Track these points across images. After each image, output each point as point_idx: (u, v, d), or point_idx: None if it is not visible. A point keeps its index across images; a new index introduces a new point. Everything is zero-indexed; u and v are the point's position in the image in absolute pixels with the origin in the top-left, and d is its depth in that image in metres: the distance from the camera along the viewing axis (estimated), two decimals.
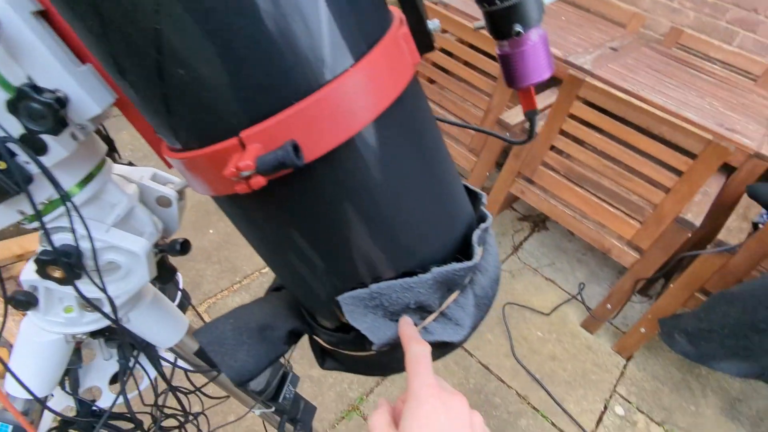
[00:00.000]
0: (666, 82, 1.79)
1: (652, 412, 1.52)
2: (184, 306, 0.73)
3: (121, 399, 0.58)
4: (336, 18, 0.26)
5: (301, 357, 1.30)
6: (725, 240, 1.30)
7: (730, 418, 1.56)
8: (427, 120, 0.35)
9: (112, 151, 0.58)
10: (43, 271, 0.40)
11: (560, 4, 2.31)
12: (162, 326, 0.57)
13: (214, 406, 0.78)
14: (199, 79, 0.25)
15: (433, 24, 0.32)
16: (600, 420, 1.46)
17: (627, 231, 1.47)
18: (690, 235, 1.35)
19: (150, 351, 0.62)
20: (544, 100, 1.81)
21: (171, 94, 0.26)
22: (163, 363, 0.66)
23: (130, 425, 0.63)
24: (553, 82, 1.78)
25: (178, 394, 0.70)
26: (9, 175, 0.33)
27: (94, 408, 0.61)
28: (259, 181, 0.26)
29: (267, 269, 1.60)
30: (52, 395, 0.62)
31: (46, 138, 0.33)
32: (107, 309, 0.45)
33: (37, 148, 0.33)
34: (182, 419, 0.68)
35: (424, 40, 0.32)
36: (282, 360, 0.77)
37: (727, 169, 1.57)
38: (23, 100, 0.30)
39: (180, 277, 0.80)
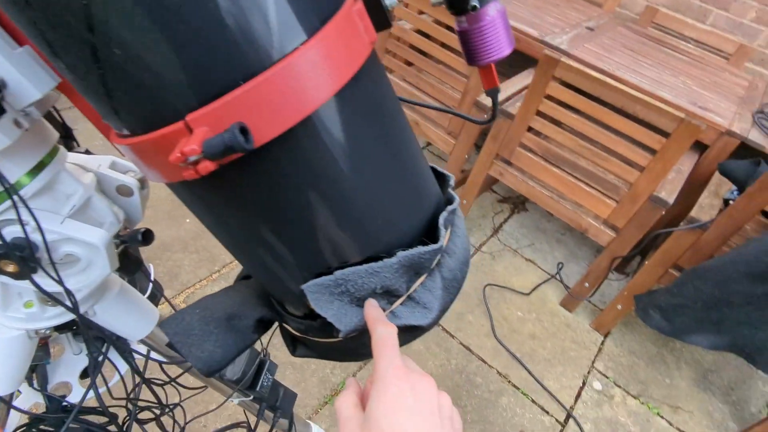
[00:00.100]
0: (641, 61, 1.80)
1: (628, 385, 1.57)
2: (156, 297, 0.72)
3: (92, 393, 0.56)
4: None
5: (282, 344, 1.30)
6: (697, 217, 1.33)
7: (702, 389, 1.62)
8: (388, 100, 0.34)
9: (69, 139, 0.56)
10: None
11: None
12: (131, 318, 0.56)
13: (194, 396, 0.77)
14: (136, 60, 0.23)
15: (389, 0, 0.31)
16: (579, 395, 1.50)
17: (603, 210, 1.49)
18: (664, 212, 1.38)
19: (120, 344, 0.61)
20: (521, 81, 1.81)
21: (109, 77, 0.25)
22: (137, 356, 0.65)
23: (105, 420, 0.62)
24: (530, 62, 1.78)
25: (154, 385, 0.69)
26: None
27: (65, 404, 0.60)
28: (207, 166, 0.25)
29: None
30: (20, 392, 0.60)
31: None
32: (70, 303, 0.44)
33: None
34: (158, 411, 0.67)
35: (380, 17, 0.31)
36: (259, 348, 0.76)
37: (700, 147, 1.60)
38: None
39: (151, 268, 0.78)
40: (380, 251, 0.35)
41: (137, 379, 0.63)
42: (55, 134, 0.41)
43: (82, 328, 0.46)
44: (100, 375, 0.59)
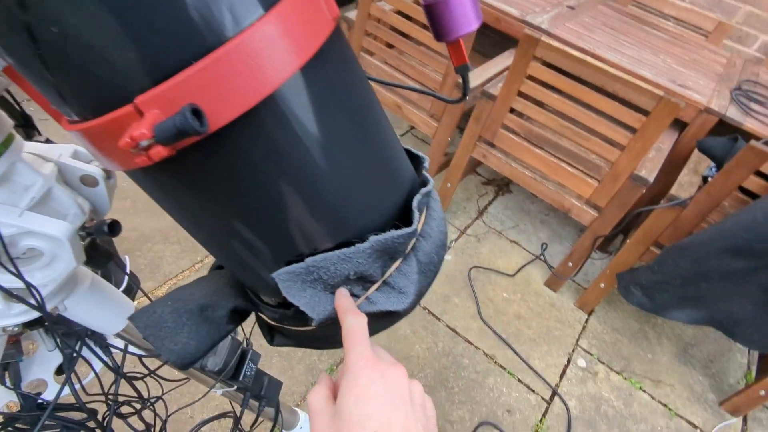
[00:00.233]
0: (622, 40, 1.80)
1: (612, 362, 1.60)
2: (132, 290, 0.70)
3: (67, 390, 0.55)
4: None
5: None
6: (677, 194, 1.34)
7: (683, 363, 1.66)
8: (356, 79, 0.33)
9: (29, 128, 0.53)
10: None
11: None
12: (104, 312, 0.55)
13: (180, 388, 0.76)
14: (76, 39, 0.22)
15: None
16: (564, 373, 1.53)
17: (585, 190, 1.50)
18: (644, 191, 1.39)
19: (96, 339, 0.60)
20: (503, 61, 1.80)
21: (49, 58, 0.23)
22: (115, 350, 0.64)
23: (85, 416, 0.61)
24: (511, 43, 1.76)
25: (134, 379, 0.68)
26: None
27: (40, 401, 0.58)
28: (160, 152, 0.23)
29: None
30: None
31: None
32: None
33: None
34: (138, 405, 0.66)
35: None
36: (240, 338, 0.75)
37: (680, 125, 1.61)
38: None
39: (127, 260, 0.76)
40: (353, 236, 0.34)
41: (113, 375, 0.62)
42: (9, 122, 0.39)
43: (49, 325, 0.44)
44: (76, 371, 0.58)
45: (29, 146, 0.43)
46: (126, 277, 0.69)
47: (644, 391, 1.54)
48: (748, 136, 1.39)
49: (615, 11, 2.06)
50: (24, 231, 0.38)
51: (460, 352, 1.50)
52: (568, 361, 1.57)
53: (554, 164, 1.53)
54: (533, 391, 1.46)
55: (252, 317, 0.47)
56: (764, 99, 1.63)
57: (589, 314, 1.74)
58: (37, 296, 0.40)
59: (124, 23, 0.22)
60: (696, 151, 1.50)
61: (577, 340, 1.64)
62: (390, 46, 1.81)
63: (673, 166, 1.57)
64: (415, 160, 0.42)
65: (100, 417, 0.62)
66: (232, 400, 0.81)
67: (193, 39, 0.23)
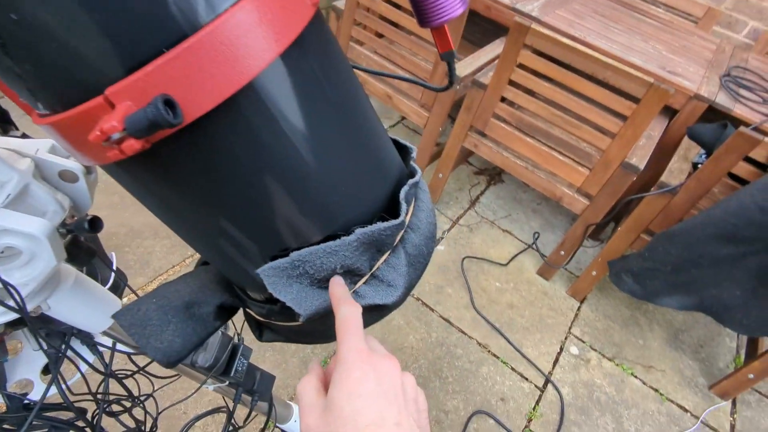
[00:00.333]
0: (612, 27, 1.79)
1: (604, 348, 1.62)
2: (119, 287, 0.69)
3: (54, 390, 0.54)
4: None
5: None
6: (667, 181, 1.35)
7: (674, 348, 1.68)
8: (339, 68, 0.32)
9: (5, 123, 0.52)
10: None
11: None
12: (89, 311, 0.54)
13: (172, 384, 0.76)
14: (39, 27, 0.21)
15: None
16: (556, 361, 1.54)
17: (577, 178, 1.50)
18: (635, 178, 1.40)
19: (83, 337, 0.59)
20: (493, 50, 1.79)
21: (11, 47, 0.22)
22: (103, 348, 0.63)
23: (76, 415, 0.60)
24: (502, 31, 1.75)
25: (123, 376, 0.67)
26: None
27: (27, 401, 0.57)
28: (133, 145, 0.22)
29: None
30: None
31: None
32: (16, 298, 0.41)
33: None
34: (127, 403, 0.65)
35: None
36: (231, 333, 0.74)
37: (670, 112, 1.61)
38: None
39: (113, 256, 0.75)
40: (339, 230, 0.33)
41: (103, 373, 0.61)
42: None
43: (30, 325, 0.43)
44: (65, 369, 0.57)
45: (4, 141, 0.41)
46: (112, 274, 0.68)
47: (636, 376, 1.56)
48: (737, 122, 1.40)
49: None
50: (1, 229, 0.37)
51: (454, 342, 1.51)
52: (561, 349, 1.58)
53: (545, 153, 1.53)
54: (526, 379, 1.47)
55: (242, 312, 0.46)
56: (753, 85, 1.63)
57: (582, 302, 1.75)
58: (17, 296, 0.39)
59: (91, 9, 0.21)
60: (686, 137, 1.50)
61: (570, 328, 1.65)
62: (379, 35, 1.79)
63: (663, 154, 1.57)
64: (403, 150, 0.42)
65: (89, 416, 0.61)
66: (225, 395, 0.81)
67: (165, 26, 0.22)
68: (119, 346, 0.63)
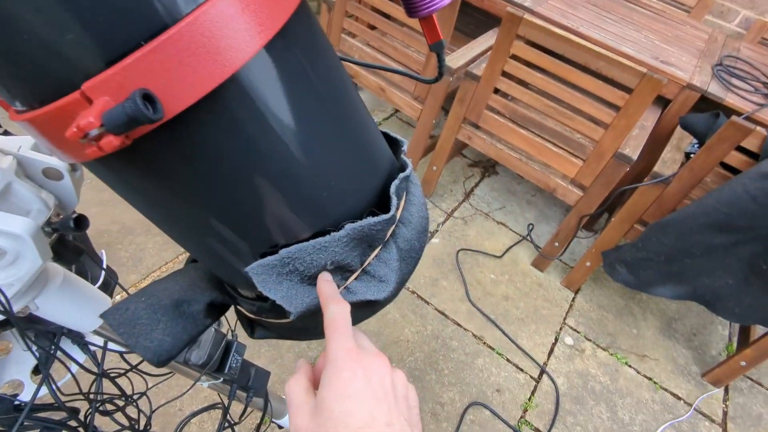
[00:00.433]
0: (605, 17, 1.79)
1: (598, 338, 1.63)
2: (109, 285, 0.68)
3: (44, 391, 0.54)
4: None
5: None
6: (660, 171, 1.35)
7: (667, 337, 1.69)
8: (327, 59, 0.31)
9: None
10: None
11: None
12: (79, 310, 0.53)
13: (168, 381, 0.75)
14: (10, 18, 0.20)
15: None
16: (551, 351, 1.55)
17: (570, 170, 1.50)
18: (628, 169, 1.40)
19: (73, 337, 0.58)
20: (486, 41, 1.78)
21: None
22: (94, 347, 0.62)
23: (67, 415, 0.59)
24: (495, 22, 1.74)
25: (116, 375, 0.66)
26: None
27: (17, 402, 0.57)
28: (111, 142, 0.22)
29: None
30: None
31: None
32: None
33: None
34: (121, 402, 0.64)
35: None
36: (225, 330, 0.74)
37: (663, 102, 1.61)
38: None
39: (104, 254, 0.74)
40: (329, 225, 0.33)
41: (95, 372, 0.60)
42: None
43: (17, 327, 0.42)
44: (57, 369, 0.56)
45: None
46: (102, 273, 0.67)
47: (630, 366, 1.57)
48: (729, 111, 1.40)
49: None
50: None
51: (449, 335, 1.51)
52: (556, 340, 1.59)
53: (539, 144, 1.52)
54: (522, 370, 1.48)
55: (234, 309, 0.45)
56: (745, 74, 1.63)
57: (576, 293, 1.76)
58: (2, 297, 0.38)
59: (68, 2, 0.20)
60: (679, 127, 1.50)
61: (564, 319, 1.66)
62: (372, 27, 1.77)
63: (656, 144, 1.57)
64: (394, 143, 0.41)
65: (82, 415, 0.61)
66: (220, 392, 0.80)
67: (143, 17, 0.22)
68: (111, 345, 0.62)
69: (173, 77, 0.22)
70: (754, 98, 1.50)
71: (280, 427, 1.01)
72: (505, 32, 1.36)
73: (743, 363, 1.45)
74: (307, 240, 0.32)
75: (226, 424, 0.82)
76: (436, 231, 1.83)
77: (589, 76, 1.31)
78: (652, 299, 1.80)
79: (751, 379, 1.63)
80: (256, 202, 0.30)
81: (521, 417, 1.36)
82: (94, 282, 0.66)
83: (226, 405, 0.81)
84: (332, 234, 0.31)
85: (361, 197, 0.34)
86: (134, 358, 0.69)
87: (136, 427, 0.68)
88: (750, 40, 2.03)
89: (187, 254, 1.47)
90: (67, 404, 0.57)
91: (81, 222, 0.42)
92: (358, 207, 0.34)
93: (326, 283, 0.33)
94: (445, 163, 1.84)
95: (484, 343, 1.52)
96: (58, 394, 0.53)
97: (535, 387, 1.44)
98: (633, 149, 1.40)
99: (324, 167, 0.31)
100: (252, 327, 0.44)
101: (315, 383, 0.32)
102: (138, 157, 0.26)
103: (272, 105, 0.27)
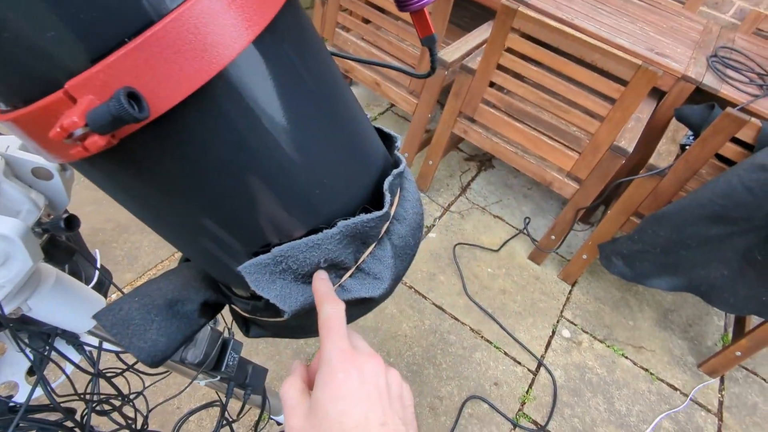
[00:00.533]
0: (600, 8, 1.78)
1: (595, 331, 1.63)
2: (103, 285, 0.68)
3: (39, 392, 0.53)
4: None
5: None
6: (656, 164, 1.35)
7: (663, 328, 1.70)
8: (317, 55, 0.30)
9: None
10: None
11: None
12: (72, 311, 0.52)
13: (165, 379, 0.75)
14: None
15: None
16: (549, 344, 1.56)
17: (566, 163, 1.50)
18: (624, 161, 1.40)
19: (68, 337, 0.58)
20: (481, 34, 1.77)
21: None
22: (89, 348, 0.62)
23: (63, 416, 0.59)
24: (490, 15, 1.73)
25: (112, 375, 0.66)
26: None
27: (12, 404, 0.56)
28: (96, 142, 0.21)
29: None
30: None
31: None
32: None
33: None
34: (117, 402, 0.64)
35: None
36: (221, 328, 0.74)
37: (658, 94, 1.61)
38: None
39: (98, 253, 0.74)
40: (322, 223, 0.32)
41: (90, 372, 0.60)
42: None
43: (8, 328, 0.42)
44: (51, 372, 0.56)
45: None
46: (96, 272, 0.67)
47: (626, 357, 1.58)
48: (724, 103, 1.40)
49: None
50: None
51: (447, 329, 1.51)
52: (553, 332, 1.59)
53: (535, 138, 1.52)
54: (519, 363, 1.48)
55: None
56: (739, 65, 1.63)
57: (573, 285, 1.76)
58: None
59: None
60: (674, 119, 1.50)
61: (561, 311, 1.66)
62: (366, 21, 1.76)
63: (651, 136, 1.57)
64: (387, 139, 0.41)
65: (78, 416, 0.60)
66: (217, 390, 0.80)
67: (127, 13, 0.21)
68: (106, 345, 0.62)
69: (159, 75, 0.22)
70: (749, 89, 1.50)
71: (279, 424, 1.02)
72: (499, 25, 1.36)
73: (738, 353, 1.46)
74: (299, 238, 0.32)
75: (224, 422, 0.82)
76: (433, 225, 1.83)
77: (584, 69, 1.30)
78: (649, 291, 1.80)
79: (747, 369, 1.65)
80: (247, 201, 0.29)
81: (519, 410, 1.37)
82: (88, 282, 0.66)
83: (224, 403, 0.81)
84: (325, 232, 0.31)
85: (354, 194, 0.34)
86: (131, 358, 0.69)
87: (133, 426, 0.68)
88: (745, 30, 2.02)
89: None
90: (64, 404, 0.57)
91: (72, 222, 0.41)
92: (352, 204, 0.34)
93: (322, 281, 0.33)
94: (441, 157, 1.83)
95: (482, 336, 1.52)
96: (54, 394, 0.53)
97: (533, 380, 1.45)
98: (628, 142, 1.40)
99: (316, 164, 0.31)
100: (247, 326, 0.44)
101: (310, 384, 0.32)
102: (125, 157, 0.26)
103: (262, 102, 0.27)
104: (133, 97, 0.21)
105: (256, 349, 1.33)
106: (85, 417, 0.62)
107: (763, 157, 1.14)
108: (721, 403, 1.52)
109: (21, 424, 0.54)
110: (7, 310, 0.43)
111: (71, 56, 0.21)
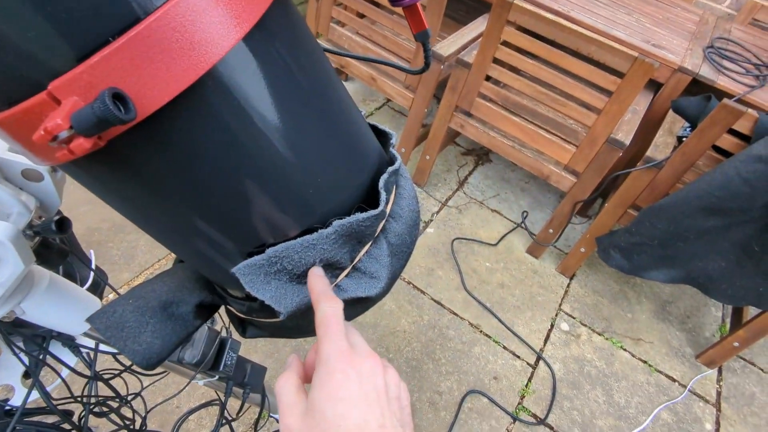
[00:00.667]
0: (595, 0, 1.77)
1: (593, 323, 1.64)
2: (99, 286, 0.67)
3: (36, 395, 0.53)
4: None
5: None
6: (653, 156, 1.35)
7: (661, 320, 1.70)
8: (309, 51, 0.30)
9: None
10: None
11: None
12: (67, 313, 0.52)
13: (164, 379, 0.75)
14: None
15: None
16: (547, 337, 1.56)
17: (563, 156, 1.50)
18: (621, 154, 1.39)
19: (63, 340, 0.57)
20: (477, 27, 1.76)
21: None
22: (85, 349, 0.61)
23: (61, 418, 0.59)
24: (485, 8, 1.72)
25: (110, 376, 0.66)
26: None
27: (8, 407, 0.56)
28: (82, 144, 0.21)
29: None
30: None
31: None
32: None
33: None
34: (115, 404, 0.64)
35: None
36: (218, 327, 0.73)
37: (655, 86, 1.61)
38: None
39: (92, 254, 0.73)
40: (317, 222, 0.32)
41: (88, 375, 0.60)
42: None
43: (2, 332, 0.41)
44: (48, 374, 0.55)
45: None
46: (91, 274, 0.66)
47: (625, 349, 1.58)
48: (721, 94, 1.40)
49: None
50: None
51: (446, 324, 1.51)
52: (552, 326, 1.60)
53: (532, 131, 1.51)
54: (518, 357, 1.48)
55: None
56: (736, 56, 1.63)
57: (571, 278, 1.76)
58: None
59: None
60: (671, 111, 1.50)
61: (560, 305, 1.67)
62: (361, 15, 1.74)
63: (648, 128, 1.57)
64: (382, 136, 0.40)
65: (76, 418, 0.60)
66: (216, 389, 0.80)
67: (110, 11, 0.20)
68: (103, 347, 0.62)
69: (145, 74, 0.21)
70: (746, 80, 1.50)
71: (279, 422, 1.01)
72: (495, 18, 1.35)
73: (736, 344, 1.47)
74: (294, 238, 0.31)
75: (224, 421, 0.82)
76: (431, 221, 1.83)
77: (580, 61, 1.30)
78: (646, 283, 1.81)
79: (744, 359, 1.65)
80: (240, 202, 0.29)
81: (519, 403, 1.37)
82: (83, 283, 0.65)
83: (223, 402, 0.81)
84: (320, 231, 0.31)
85: (349, 193, 0.33)
86: (128, 359, 0.68)
87: (132, 427, 0.68)
88: (741, 21, 2.02)
89: None
90: (62, 406, 0.57)
91: (63, 224, 0.41)
92: (347, 203, 0.33)
93: (317, 278, 0.32)
94: (438, 152, 1.83)
95: (481, 331, 1.52)
96: (51, 397, 0.52)
97: (532, 373, 1.45)
98: (625, 134, 1.40)
99: (310, 163, 0.30)
100: (243, 326, 0.44)
101: (306, 378, 0.32)
102: (113, 159, 0.25)
103: (254, 101, 0.26)
104: (119, 98, 0.20)
105: (254, 347, 1.33)
106: (83, 419, 0.62)
107: (760, 148, 1.13)
108: (719, 394, 1.53)
109: (17, 428, 0.54)
110: (0, 314, 0.42)
111: (54, 56, 0.20)
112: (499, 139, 1.62)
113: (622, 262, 1.47)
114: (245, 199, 0.29)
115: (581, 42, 1.28)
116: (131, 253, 1.44)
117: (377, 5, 1.66)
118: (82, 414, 0.63)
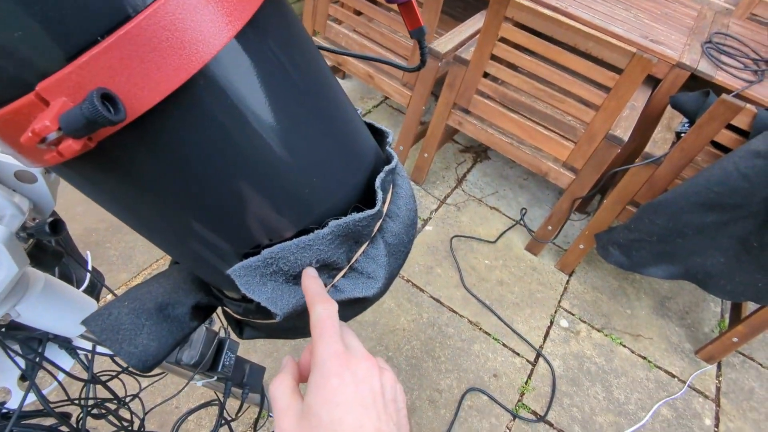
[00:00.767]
0: None
1: (593, 320, 1.64)
2: (95, 287, 0.67)
3: (32, 398, 0.53)
4: None
5: None
6: (651, 152, 1.35)
7: (660, 316, 1.70)
8: (303, 49, 0.29)
9: None
10: None
11: None
12: (63, 315, 0.51)
13: (163, 379, 0.74)
14: None
15: None
16: (547, 334, 1.56)
17: (562, 153, 1.49)
18: (620, 150, 1.39)
19: (60, 342, 0.57)
20: (474, 24, 1.75)
21: None
22: (83, 351, 0.61)
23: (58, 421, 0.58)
24: (483, 5, 1.71)
25: (107, 378, 0.65)
26: None
27: (5, 410, 0.55)
28: (71, 146, 0.20)
29: None
30: None
31: None
32: None
33: None
34: (113, 405, 0.63)
35: None
36: (216, 328, 0.73)
37: (653, 82, 1.60)
38: None
39: (89, 255, 0.73)
40: (313, 223, 0.32)
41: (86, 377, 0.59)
42: None
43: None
44: (46, 375, 0.55)
45: None
46: (88, 275, 0.66)
47: (624, 345, 1.59)
48: (719, 89, 1.39)
49: None
50: None
51: (445, 322, 1.51)
52: (551, 323, 1.60)
53: (530, 128, 1.51)
54: (518, 354, 1.48)
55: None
56: (734, 51, 1.62)
57: (570, 275, 1.76)
58: None
59: None
60: (669, 107, 1.49)
61: (559, 302, 1.67)
62: (358, 12, 1.74)
63: (647, 124, 1.57)
64: (379, 135, 0.40)
65: (74, 420, 0.60)
66: (215, 390, 0.80)
67: (99, 10, 0.20)
68: (100, 349, 0.61)
69: (135, 74, 0.21)
70: (744, 75, 1.50)
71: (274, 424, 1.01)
72: (493, 14, 1.34)
73: (735, 339, 1.47)
74: (290, 239, 0.31)
75: (223, 421, 0.81)
76: (430, 218, 1.82)
77: (578, 58, 1.29)
78: (645, 279, 1.81)
79: (743, 355, 1.66)
80: (234, 202, 0.29)
81: (518, 401, 1.37)
82: (79, 285, 0.65)
83: (222, 402, 0.80)
84: (316, 232, 0.30)
85: (345, 192, 0.33)
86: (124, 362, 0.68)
87: (130, 428, 0.68)
88: (739, 16, 2.01)
89: None
90: (59, 409, 0.57)
91: (57, 226, 0.40)
92: (343, 203, 0.33)
93: (311, 279, 0.31)
94: (436, 149, 1.82)
95: (480, 328, 1.52)
96: (48, 399, 0.52)
97: (532, 370, 1.45)
98: (624, 130, 1.39)
99: (305, 163, 0.30)
100: (240, 328, 0.43)
101: (301, 378, 0.31)
102: (104, 161, 0.25)
103: (247, 100, 0.26)
104: (108, 98, 0.20)
105: (253, 347, 1.33)
106: (81, 422, 0.61)
107: (759, 143, 1.13)
108: (718, 389, 1.53)
109: (15, 431, 0.53)
110: None
111: (41, 56, 0.20)
112: (497, 136, 1.61)
113: (621, 258, 1.47)
114: (240, 200, 0.28)
115: (579, 38, 1.28)
116: (129, 254, 1.44)
117: (374, 2, 1.65)
118: (80, 416, 0.62)
